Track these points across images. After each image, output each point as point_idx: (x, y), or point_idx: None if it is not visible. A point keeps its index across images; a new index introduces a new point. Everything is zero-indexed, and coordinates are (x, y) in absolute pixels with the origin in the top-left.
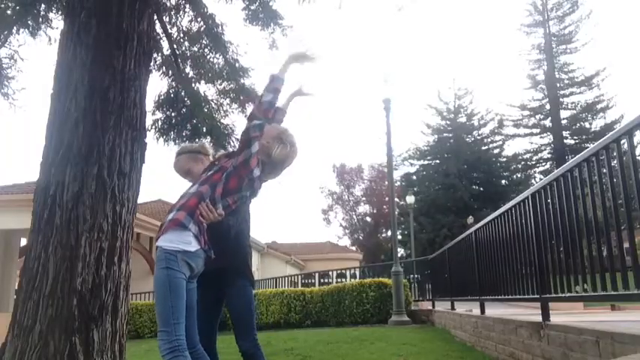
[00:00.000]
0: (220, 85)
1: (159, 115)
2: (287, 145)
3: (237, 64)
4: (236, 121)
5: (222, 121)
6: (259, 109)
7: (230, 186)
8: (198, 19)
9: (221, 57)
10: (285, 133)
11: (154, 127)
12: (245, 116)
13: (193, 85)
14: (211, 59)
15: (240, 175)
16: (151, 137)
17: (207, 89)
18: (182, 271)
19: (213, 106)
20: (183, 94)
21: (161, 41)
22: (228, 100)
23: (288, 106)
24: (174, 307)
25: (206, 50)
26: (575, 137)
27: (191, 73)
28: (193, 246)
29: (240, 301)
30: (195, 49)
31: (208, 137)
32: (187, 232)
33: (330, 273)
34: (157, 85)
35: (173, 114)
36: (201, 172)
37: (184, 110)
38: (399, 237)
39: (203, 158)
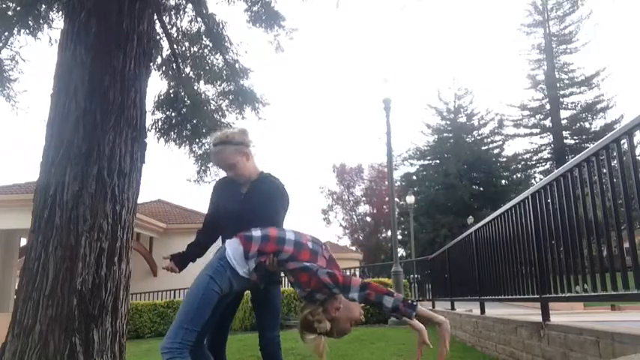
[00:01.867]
0: (220, 85)
1: (159, 115)
2: (313, 334)
3: (237, 65)
4: (235, 121)
5: (222, 120)
6: (375, 290)
7: (300, 278)
8: (198, 19)
9: (221, 57)
10: (336, 330)
11: (154, 127)
12: (243, 118)
13: (193, 85)
14: (211, 60)
15: (304, 277)
16: (151, 137)
17: (206, 89)
18: (221, 286)
19: (213, 106)
20: (183, 94)
21: (161, 41)
22: (227, 102)
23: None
24: (195, 315)
25: (206, 51)
26: (575, 137)
27: (191, 74)
28: (246, 272)
29: (276, 287)
30: (195, 49)
31: (208, 137)
32: (243, 257)
33: None
34: (157, 85)
35: (173, 114)
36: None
37: (184, 110)
38: (399, 237)
39: (249, 152)
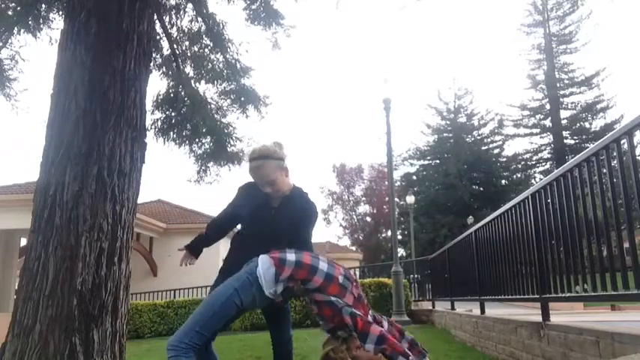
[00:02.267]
0: (220, 85)
1: (158, 114)
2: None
3: (237, 64)
4: (236, 121)
5: (222, 120)
6: (383, 351)
7: (324, 312)
8: (199, 19)
9: (221, 57)
10: None
11: (153, 126)
12: (246, 117)
13: (193, 84)
14: (211, 59)
15: (328, 312)
16: (150, 137)
17: (207, 89)
18: (243, 300)
19: (213, 106)
20: (183, 93)
21: (161, 41)
22: (229, 101)
23: None
24: (208, 322)
25: (206, 50)
26: (575, 137)
27: (191, 73)
28: (272, 293)
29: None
30: (196, 48)
31: (208, 137)
32: (274, 279)
33: None
34: (156, 84)
35: (173, 114)
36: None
37: (184, 110)
38: (399, 237)
39: (287, 167)
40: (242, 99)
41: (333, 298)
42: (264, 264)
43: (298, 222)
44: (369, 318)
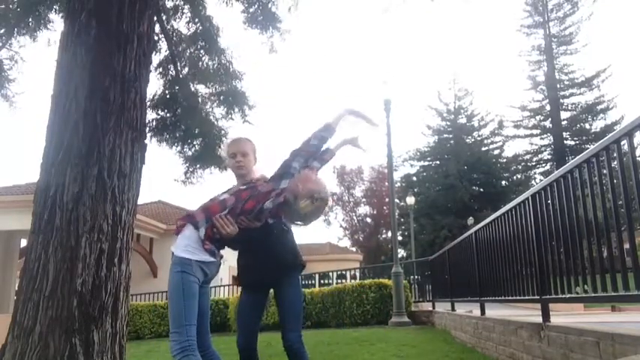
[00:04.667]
0: (212, 86)
1: (153, 115)
2: (313, 204)
3: (231, 67)
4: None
5: (215, 123)
6: (306, 149)
7: (246, 207)
8: (196, 21)
9: (216, 59)
10: (319, 193)
11: (148, 127)
12: (238, 119)
13: (189, 86)
14: (206, 61)
15: (257, 201)
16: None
17: (201, 91)
18: (196, 276)
19: (207, 108)
20: (179, 95)
21: (159, 42)
22: (217, 103)
23: (338, 149)
24: (186, 310)
25: (201, 52)
26: (576, 138)
27: (187, 75)
28: (206, 256)
29: (293, 291)
30: (191, 50)
31: (200, 139)
32: (197, 237)
33: (330, 274)
34: (152, 85)
35: (168, 114)
36: (240, 186)
37: (179, 111)
38: (399, 238)
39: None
40: (230, 99)
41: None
42: (182, 242)
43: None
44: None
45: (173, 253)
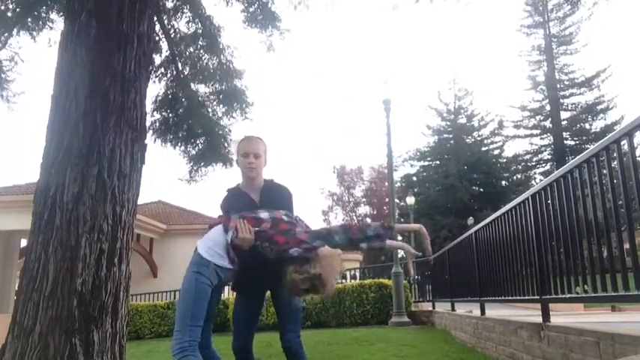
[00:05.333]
0: (213, 85)
1: (157, 116)
2: (302, 278)
3: (231, 66)
4: (229, 123)
5: (217, 122)
6: (356, 234)
7: (276, 238)
8: (196, 20)
9: (216, 59)
10: (322, 278)
11: (151, 128)
12: (238, 116)
13: (191, 86)
14: (206, 60)
15: (288, 242)
16: (149, 138)
17: (202, 90)
18: (210, 279)
19: (210, 107)
20: (181, 95)
21: (160, 42)
22: (217, 101)
23: (388, 245)
24: (194, 311)
25: (201, 51)
26: (576, 138)
27: (189, 75)
28: (226, 262)
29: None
30: (192, 49)
31: (203, 137)
32: (224, 242)
33: None
34: (153, 86)
35: (170, 115)
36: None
37: (181, 111)
38: (400, 238)
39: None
40: (230, 97)
41: (285, 228)
42: (205, 243)
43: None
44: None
45: (196, 248)
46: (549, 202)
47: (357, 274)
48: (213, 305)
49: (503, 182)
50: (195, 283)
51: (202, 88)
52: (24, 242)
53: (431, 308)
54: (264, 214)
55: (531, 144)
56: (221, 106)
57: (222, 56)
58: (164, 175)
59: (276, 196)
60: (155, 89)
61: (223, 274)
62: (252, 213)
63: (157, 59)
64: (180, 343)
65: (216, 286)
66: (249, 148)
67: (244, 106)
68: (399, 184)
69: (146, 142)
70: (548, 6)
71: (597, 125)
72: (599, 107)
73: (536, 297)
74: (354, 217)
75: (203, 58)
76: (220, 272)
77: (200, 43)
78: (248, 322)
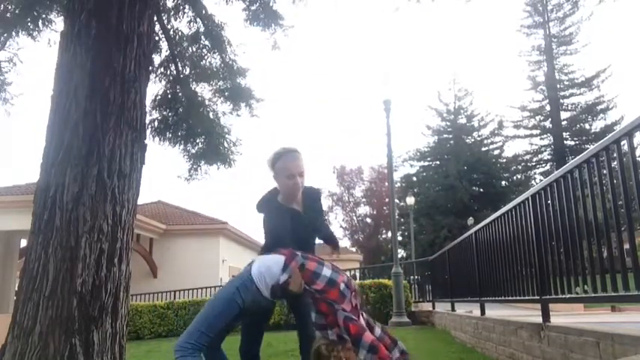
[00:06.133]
0: (216, 84)
1: (155, 115)
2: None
3: (235, 65)
4: (231, 122)
5: (217, 121)
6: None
7: (319, 305)
8: (197, 20)
9: (219, 58)
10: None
11: (150, 127)
12: (246, 113)
13: (191, 85)
14: (209, 60)
15: (324, 307)
16: (147, 137)
17: (202, 89)
18: (244, 300)
19: (210, 108)
20: (180, 94)
21: (160, 42)
22: (222, 99)
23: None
24: (213, 321)
25: (204, 51)
26: (576, 138)
27: (189, 74)
28: (267, 293)
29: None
30: (193, 49)
31: (203, 136)
32: (277, 275)
33: None
34: (153, 85)
35: (170, 114)
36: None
37: (181, 110)
38: (399, 238)
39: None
40: (236, 97)
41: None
42: (264, 264)
43: (318, 217)
44: (362, 322)
45: (252, 262)
46: (549, 202)
47: (357, 274)
48: (233, 326)
49: (503, 182)
50: (229, 298)
51: (205, 87)
52: (24, 242)
53: (431, 308)
54: (326, 270)
55: (531, 144)
56: (227, 103)
57: (225, 55)
58: (164, 175)
59: (314, 204)
60: (155, 89)
61: (260, 299)
62: (316, 263)
63: (157, 59)
64: (184, 343)
65: (249, 309)
66: (296, 169)
67: (252, 103)
68: (399, 184)
69: (146, 142)
70: (548, 6)
71: (597, 125)
72: (599, 107)
73: (536, 297)
74: (354, 218)
75: (205, 57)
76: (258, 298)
77: (202, 42)
78: (257, 327)
